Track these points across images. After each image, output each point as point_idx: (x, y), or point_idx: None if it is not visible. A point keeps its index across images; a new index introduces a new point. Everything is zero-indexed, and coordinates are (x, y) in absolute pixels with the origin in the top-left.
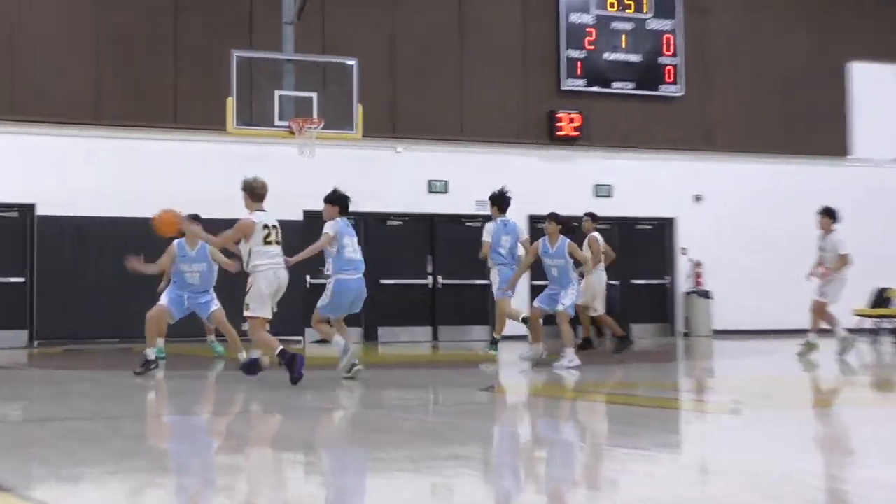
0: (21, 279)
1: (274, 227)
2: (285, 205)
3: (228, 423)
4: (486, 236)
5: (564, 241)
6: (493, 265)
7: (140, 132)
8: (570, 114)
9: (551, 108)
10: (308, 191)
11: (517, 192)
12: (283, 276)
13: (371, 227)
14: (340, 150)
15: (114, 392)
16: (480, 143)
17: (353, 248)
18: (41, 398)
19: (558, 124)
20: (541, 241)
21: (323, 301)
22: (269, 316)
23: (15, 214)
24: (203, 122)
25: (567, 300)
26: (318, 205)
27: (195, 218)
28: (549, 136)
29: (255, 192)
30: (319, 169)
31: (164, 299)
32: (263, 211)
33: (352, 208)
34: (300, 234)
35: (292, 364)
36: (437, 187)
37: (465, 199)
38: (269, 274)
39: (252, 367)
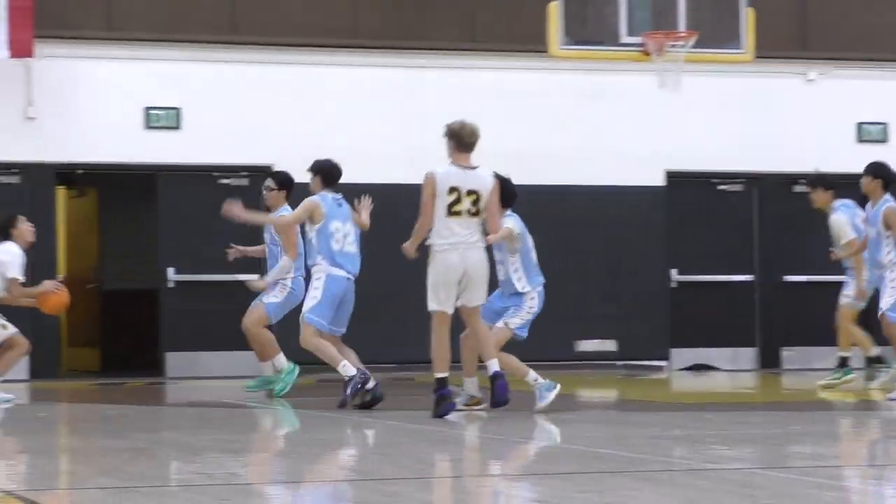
0: None
1: (471, 192)
2: (635, 163)
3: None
4: (850, 231)
5: (883, 204)
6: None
7: (414, 56)
8: None
9: None
10: (669, 142)
11: None
12: (472, 260)
13: (767, 196)
14: (718, 81)
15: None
16: None
17: (530, 246)
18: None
19: None
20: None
21: (519, 318)
22: (450, 311)
23: (243, 182)
24: (509, 39)
25: (887, 299)
26: (684, 163)
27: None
28: None
29: (461, 141)
30: (684, 109)
31: None
32: (469, 168)
33: (738, 167)
34: (661, 206)
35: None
36: (871, 133)
37: None
38: (449, 258)
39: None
